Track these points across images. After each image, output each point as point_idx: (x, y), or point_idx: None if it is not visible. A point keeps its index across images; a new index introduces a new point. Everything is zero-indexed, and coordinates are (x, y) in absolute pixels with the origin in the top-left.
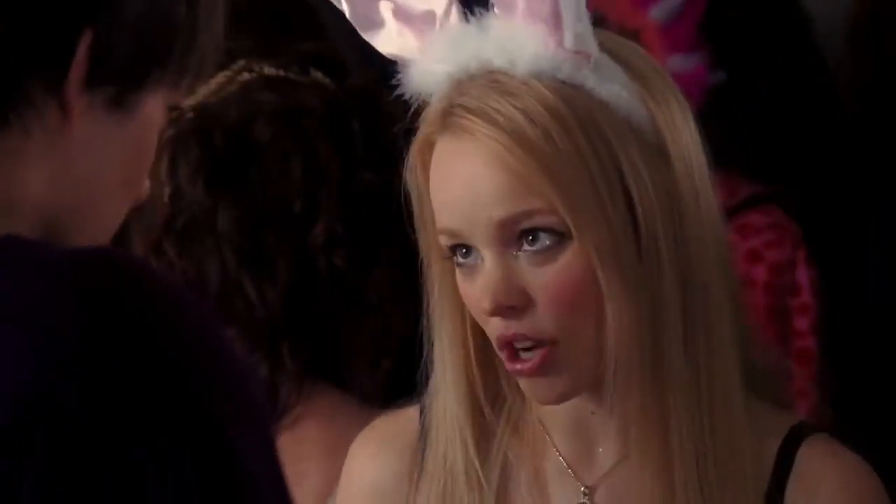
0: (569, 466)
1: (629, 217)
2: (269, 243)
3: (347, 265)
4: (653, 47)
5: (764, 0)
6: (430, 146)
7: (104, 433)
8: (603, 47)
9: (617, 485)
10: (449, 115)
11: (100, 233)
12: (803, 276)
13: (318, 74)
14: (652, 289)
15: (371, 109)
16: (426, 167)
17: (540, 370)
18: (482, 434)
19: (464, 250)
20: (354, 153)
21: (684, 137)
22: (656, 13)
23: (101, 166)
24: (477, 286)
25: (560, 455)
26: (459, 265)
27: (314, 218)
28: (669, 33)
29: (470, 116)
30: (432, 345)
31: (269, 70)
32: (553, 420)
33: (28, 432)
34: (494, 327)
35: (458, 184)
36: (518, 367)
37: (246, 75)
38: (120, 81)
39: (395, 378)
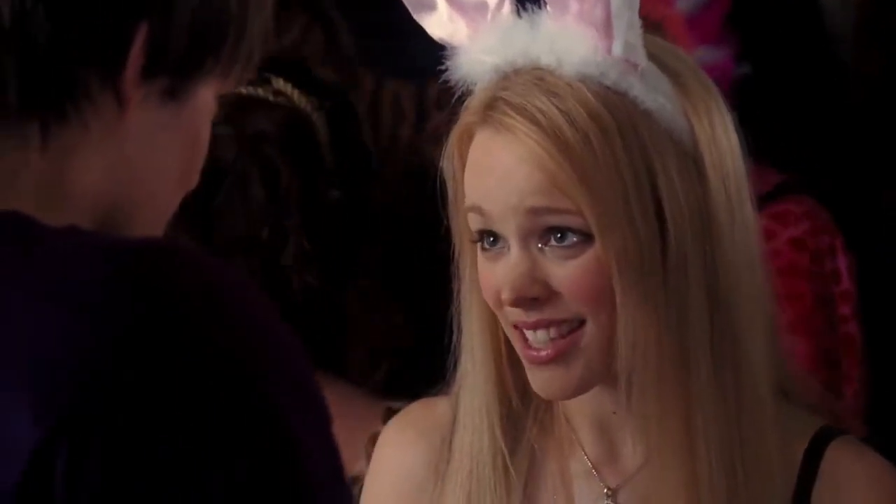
0: (594, 467)
1: (658, 230)
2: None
3: (322, 282)
4: (678, 39)
5: None
6: (469, 136)
7: (164, 417)
8: (650, 55)
9: (640, 488)
10: (491, 108)
11: (154, 224)
12: (842, 262)
13: (279, 82)
14: (678, 302)
15: (338, 105)
16: (463, 156)
17: (555, 359)
18: (510, 423)
19: (491, 238)
20: (317, 171)
21: (723, 151)
22: (683, 4)
23: (156, 157)
24: (498, 273)
25: (586, 455)
26: (485, 250)
27: (283, 240)
28: (696, 24)
29: (511, 113)
30: (461, 331)
31: None
32: (579, 419)
33: (89, 414)
34: (513, 317)
35: (493, 174)
36: (532, 353)
37: None
38: (174, 73)
39: (396, 378)
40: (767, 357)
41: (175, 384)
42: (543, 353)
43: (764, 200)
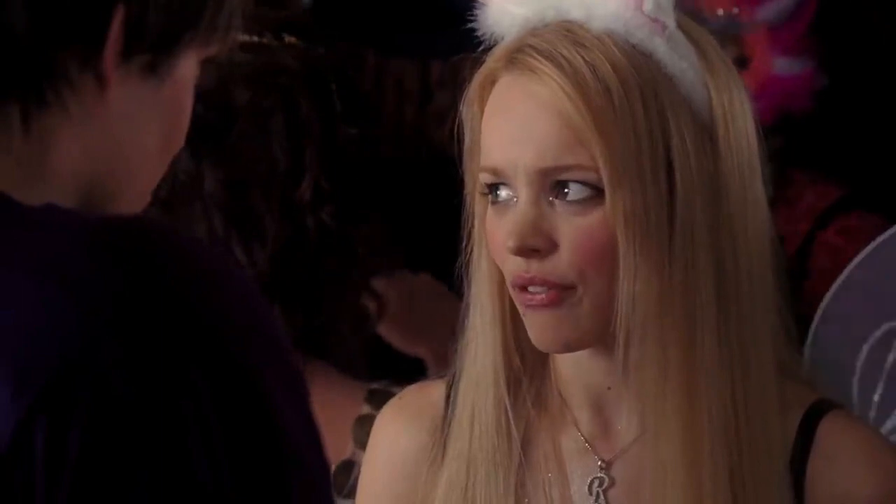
0: (587, 442)
1: (667, 193)
2: (256, 202)
3: (335, 221)
4: (758, 48)
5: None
6: (491, 82)
7: (147, 388)
8: (679, 26)
9: (634, 460)
10: (517, 52)
11: (138, 198)
12: None
13: (291, 39)
14: (682, 267)
15: (346, 73)
16: (483, 102)
17: (550, 305)
18: (512, 383)
19: (501, 192)
20: (334, 109)
21: (739, 129)
22: (766, 14)
23: (138, 133)
24: (506, 224)
25: (580, 431)
26: (493, 203)
27: (300, 175)
28: (778, 35)
29: (537, 56)
30: (470, 286)
31: (242, 37)
32: (574, 395)
33: (75, 387)
34: (514, 266)
35: (512, 123)
36: (528, 297)
37: None
38: (153, 49)
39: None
40: (772, 333)
41: (158, 359)
42: (538, 297)
43: (827, 215)
